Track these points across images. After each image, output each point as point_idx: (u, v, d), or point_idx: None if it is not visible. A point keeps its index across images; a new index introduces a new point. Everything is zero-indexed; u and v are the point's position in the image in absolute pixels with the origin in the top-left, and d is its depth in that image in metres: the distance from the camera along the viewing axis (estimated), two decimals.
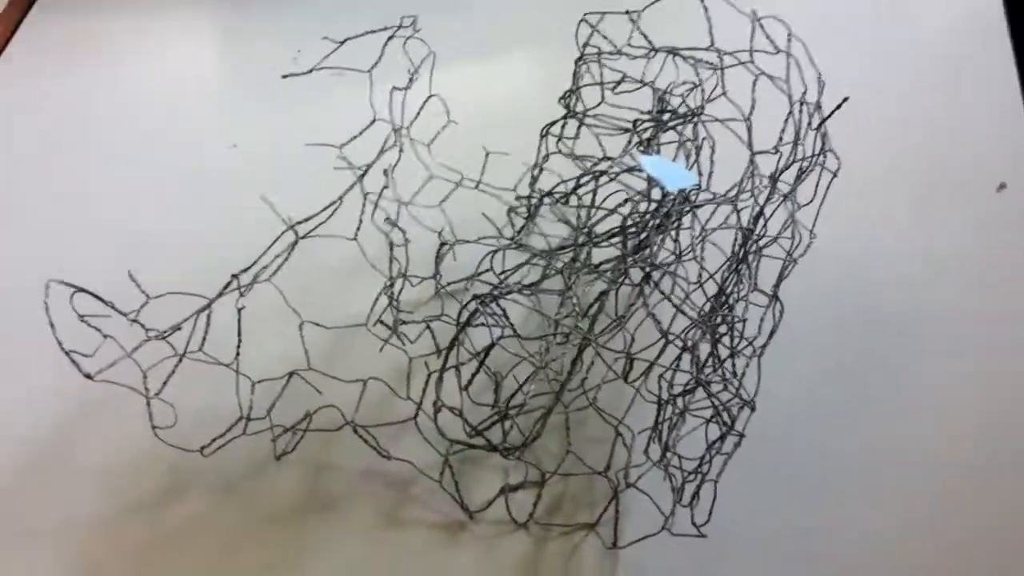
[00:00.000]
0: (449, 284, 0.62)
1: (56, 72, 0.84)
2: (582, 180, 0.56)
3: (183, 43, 0.88)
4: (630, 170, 0.53)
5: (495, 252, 0.55)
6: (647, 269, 0.52)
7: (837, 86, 0.54)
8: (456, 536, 0.53)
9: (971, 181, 0.69)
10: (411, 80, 0.59)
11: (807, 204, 0.54)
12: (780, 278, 0.54)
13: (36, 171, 0.76)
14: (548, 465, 0.54)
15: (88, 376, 0.46)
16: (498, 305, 0.51)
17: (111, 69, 0.84)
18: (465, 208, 0.65)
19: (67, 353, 0.45)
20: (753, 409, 0.50)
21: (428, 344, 0.59)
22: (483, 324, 0.51)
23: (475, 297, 0.49)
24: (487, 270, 0.59)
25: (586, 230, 0.57)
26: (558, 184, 0.57)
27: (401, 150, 0.60)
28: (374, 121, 0.58)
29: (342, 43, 0.56)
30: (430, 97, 0.62)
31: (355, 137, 0.57)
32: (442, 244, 0.63)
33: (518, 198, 0.65)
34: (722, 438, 0.49)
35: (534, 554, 0.52)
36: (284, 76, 0.59)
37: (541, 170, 0.62)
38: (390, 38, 0.57)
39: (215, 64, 0.86)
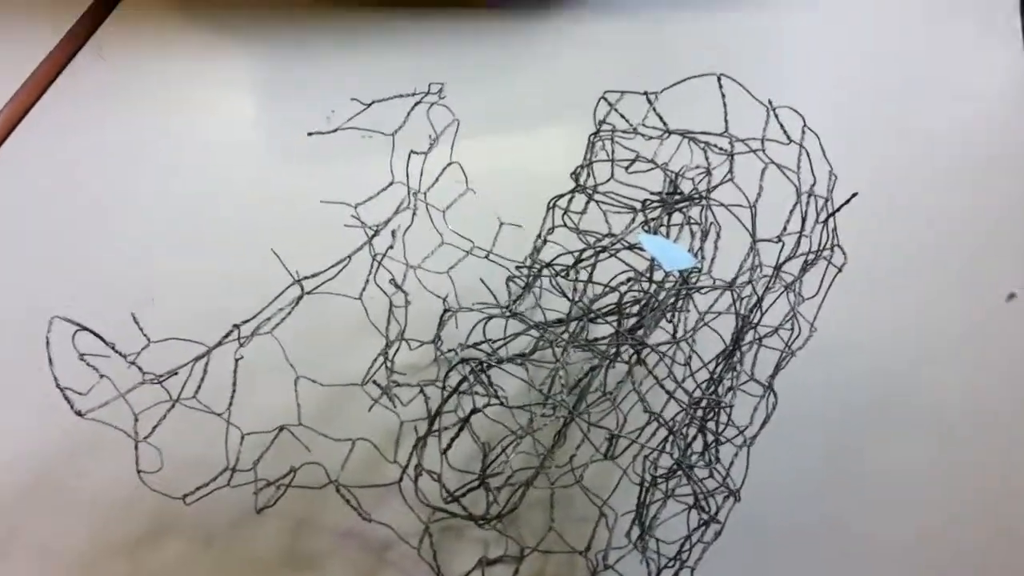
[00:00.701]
0: (448, 351, 0.63)
1: (96, 115, 0.87)
2: (584, 254, 0.56)
3: (223, 96, 0.91)
4: (632, 247, 0.53)
5: (487, 320, 0.56)
6: (638, 348, 0.52)
7: (849, 181, 0.55)
8: None
9: (980, 289, 0.69)
10: (432, 145, 0.60)
11: (811, 297, 0.54)
12: (777, 369, 0.53)
13: (55, 207, 0.78)
14: (529, 541, 0.54)
15: (79, 414, 0.46)
16: (486, 374, 0.52)
17: (142, 117, 0.87)
18: (474, 277, 0.66)
19: (61, 389, 0.45)
20: (738, 499, 0.49)
21: (421, 409, 0.59)
22: (469, 392, 0.51)
23: (463, 361, 0.50)
24: (482, 341, 0.60)
25: (582, 305, 0.57)
26: (558, 256, 0.57)
27: (415, 213, 0.61)
28: (392, 183, 0.59)
29: (369, 105, 0.57)
30: (450, 164, 0.63)
31: (371, 198, 0.58)
32: (445, 310, 0.64)
33: (518, 267, 0.66)
34: (703, 526, 0.48)
35: None
36: (309, 134, 0.61)
37: (544, 241, 0.62)
38: (416, 104, 0.59)
39: (250, 118, 0.88)
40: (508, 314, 0.55)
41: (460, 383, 0.50)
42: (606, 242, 0.55)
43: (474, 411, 0.49)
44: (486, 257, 0.66)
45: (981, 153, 0.79)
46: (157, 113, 0.88)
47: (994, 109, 0.83)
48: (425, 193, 0.62)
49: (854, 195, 0.52)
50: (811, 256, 0.54)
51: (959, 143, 0.80)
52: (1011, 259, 0.71)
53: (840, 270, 0.54)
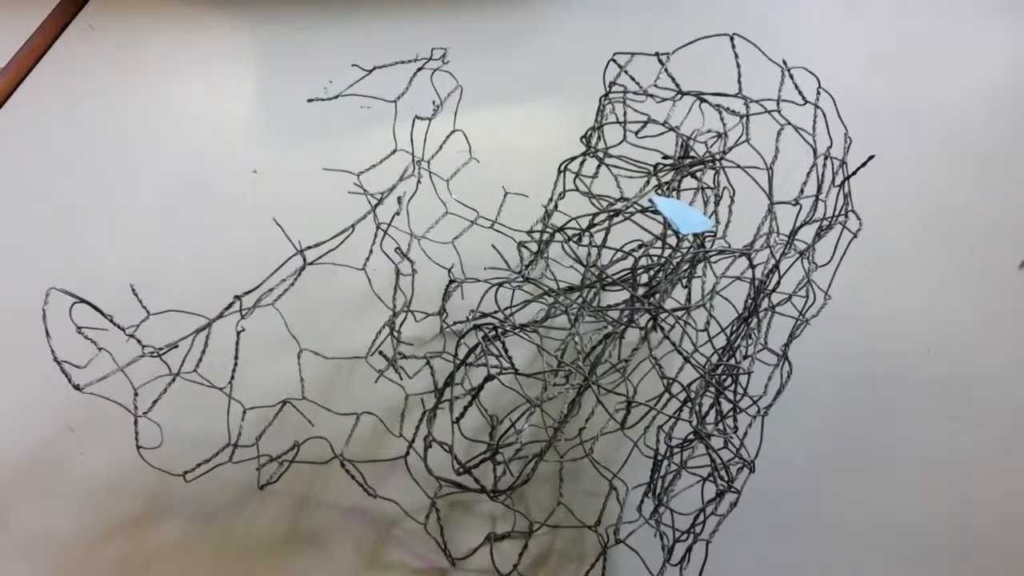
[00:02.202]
0: (455, 323, 0.62)
1: (88, 87, 0.87)
2: (596, 219, 0.56)
3: (217, 68, 0.90)
4: (645, 211, 0.53)
5: (500, 285, 0.56)
6: (654, 314, 0.51)
7: (864, 145, 0.54)
8: None
9: (993, 256, 0.69)
10: (435, 111, 0.59)
11: (825, 264, 0.53)
12: (791, 337, 0.53)
13: (57, 181, 0.78)
14: (538, 516, 0.54)
15: (77, 387, 0.46)
16: (500, 341, 0.51)
17: (143, 88, 0.87)
18: (478, 247, 0.65)
19: (59, 363, 0.45)
20: (752, 470, 0.49)
21: (427, 382, 0.59)
22: (483, 364, 0.51)
23: (476, 327, 0.49)
24: (494, 312, 0.60)
25: (596, 271, 0.57)
26: (570, 220, 0.57)
27: (419, 181, 0.60)
28: (395, 151, 0.59)
29: (370, 71, 0.56)
30: (453, 132, 0.63)
31: (374, 166, 0.58)
32: (451, 281, 0.64)
33: (529, 232, 0.65)
34: (718, 497, 0.48)
35: None
36: (309, 100, 0.60)
37: (556, 206, 0.62)
38: (419, 69, 0.58)
39: (246, 90, 0.88)
40: (521, 279, 0.54)
41: (473, 349, 0.49)
42: (619, 206, 0.54)
43: (488, 378, 0.48)
44: (491, 226, 0.65)
45: (996, 124, 0.79)
46: (151, 85, 0.87)
47: (1017, 80, 0.83)
48: (428, 161, 0.62)
49: (871, 158, 0.52)
50: (827, 221, 0.53)
51: (976, 115, 0.80)
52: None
53: (855, 235, 0.54)
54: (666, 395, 0.51)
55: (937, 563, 0.53)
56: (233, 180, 0.77)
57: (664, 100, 0.57)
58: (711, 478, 0.48)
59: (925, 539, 0.54)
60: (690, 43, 0.55)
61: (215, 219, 0.74)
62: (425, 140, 0.60)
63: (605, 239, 0.59)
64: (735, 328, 0.51)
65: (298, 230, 0.55)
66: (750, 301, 0.51)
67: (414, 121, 0.58)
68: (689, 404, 0.49)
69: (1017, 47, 0.86)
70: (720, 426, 0.50)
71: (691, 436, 0.49)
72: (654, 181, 0.56)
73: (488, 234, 0.66)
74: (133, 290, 0.52)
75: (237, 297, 0.51)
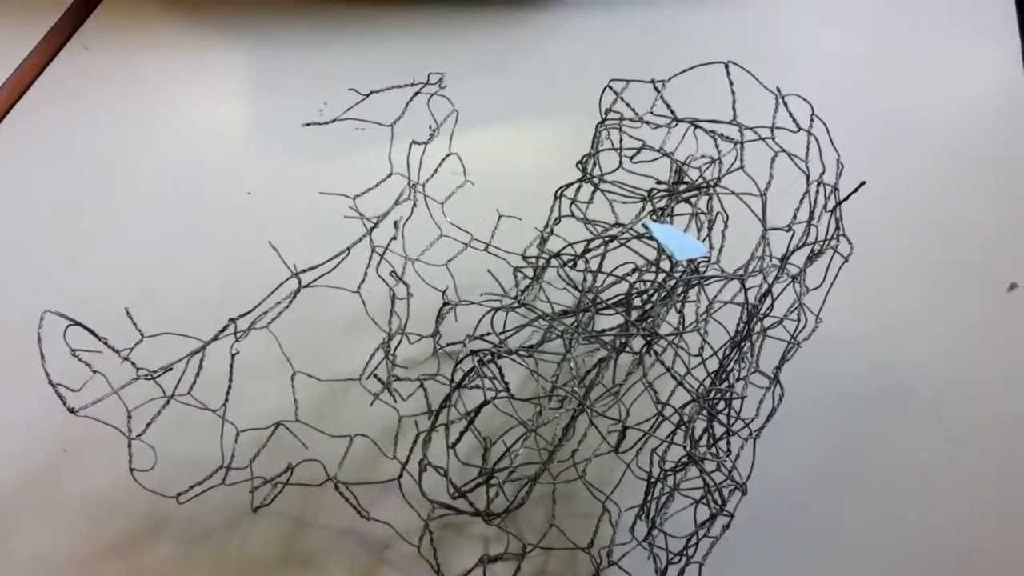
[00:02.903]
0: (448, 345, 0.63)
1: (83, 108, 0.88)
2: (592, 244, 0.57)
3: (211, 88, 0.91)
4: (640, 236, 0.53)
5: (496, 311, 0.56)
6: (648, 338, 0.52)
7: (855, 171, 0.55)
8: None
9: (983, 279, 0.69)
10: (432, 135, 0.60)
11: (816, 288, 0.54)
12: (782, 360, 0.54)
13: (52, 202, 0.79)
14: (531, 538, 0.54)
15: (72, 411, 0.46)
16: (495, 364, 0.52)
17: (137, 108, 0.88)
18: (472, 270, 0.66)
19: (53, 385, 0.45)
20: (744, 493, 0.50)
21: (421, 404, 0.60)
22: (478, 386, 0.52)
23: (472, 353, 0.50)
24: (487, 333, 0.60)
25: (591, 295, 0.57)
26: (566, 246, 0.58)
27: (415, 205, 0.61)
28: (391, 175, 0.60)
29: (367, 96, 0.57)
30: (449, 155, 0.63)
31: (370, 189, 0.58)
32: (445, 303, 0.64)
33: (525, 258, 0.66)
34: (712, 519, 0.48)
35: None
36: (305, 124, 0.61)
37: (551, 232, 0.63)
38: (415, 94, 0.59)
39: (241, 111, 0.88)
40: (517, 304, 0.55)
41: (468, 373, 0.50)
42: (614, 231, 0.55)
43: (484, 403, 0.49)
44: (485, 249, 0.66)
45: (986, 147, 0.80)
46: (146, 106, 0.88)
47: (1000, 101, 0.84)
48: (423, 185, 0.62)
49: (862, 184, 0.53)
50: (818, 246, 0.54)
51: (966, 139, 0.81)
52: (1013, 250, 0.71)
53: (846, 260, 0.55)
54: (659, 418, 0.52)
55: None
56: (227, 202, 0.78)
57: (659, 127, 0.58)
58: (704, 501, 0.49)
59: (920, 557, 0.55)
60: (685, 71, 0.56)
61: (210, 241, 0.75)
62: (420, 163, 0.61)
63: (601, 264, 0.60)
64: (727, 352, 0.52)
65: (293, 252, 0.55)
66: (743, 325, 0.52)
67: (411, 146, 0.59)
68: (682, 427, 0.49)
69: (1007, 71, 0.87)
70: (713, 449, 0.50)
71: (684, 459, 0.50)
72: (648, 207, 0.57)
73: (482, 255, 0.66)
74: (128, 313, 0.52)
75: (232, 320, 0.51)
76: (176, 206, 0.78)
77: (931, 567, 0.55)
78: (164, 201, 0.79)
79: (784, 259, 0.52)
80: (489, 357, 0.51)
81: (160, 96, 0.89)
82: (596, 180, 0.60)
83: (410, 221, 0.62)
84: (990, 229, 0.73)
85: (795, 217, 0.55)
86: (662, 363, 0.50)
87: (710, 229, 0.58)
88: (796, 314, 0.54)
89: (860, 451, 0.60)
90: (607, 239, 0.55)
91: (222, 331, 0.51)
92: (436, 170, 0.63)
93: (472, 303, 0.63)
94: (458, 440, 0.52)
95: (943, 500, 0.57)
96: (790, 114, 0.55)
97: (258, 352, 0.55)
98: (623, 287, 0.58)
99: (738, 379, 0.52)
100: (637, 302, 0.58)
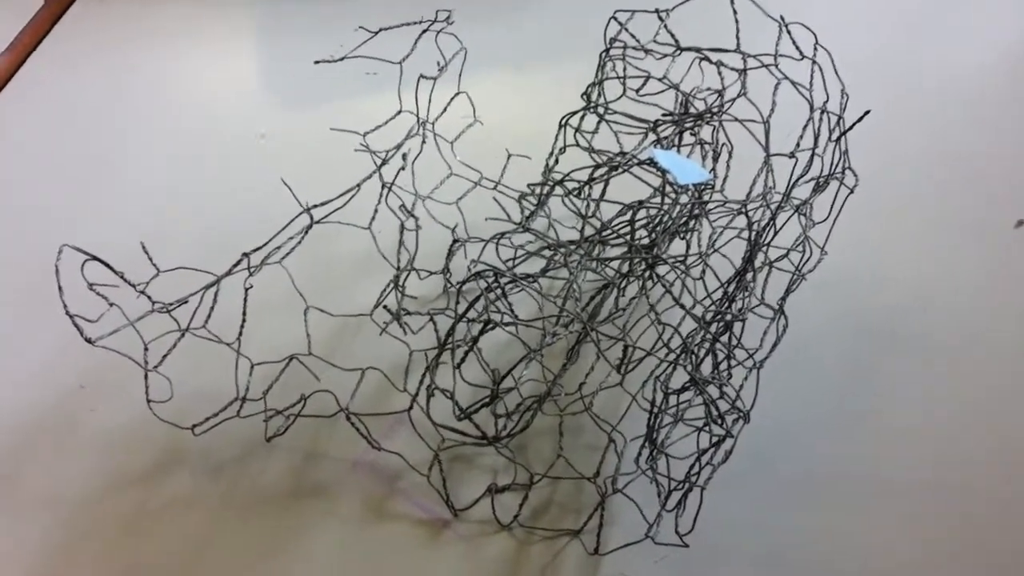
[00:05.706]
0: (458, 283, 0.65)
1: (97, 56, 0.90)
2: (596, 172, 0.58)
3: (224, 34, 0.93)
4: (643, 163, 0.54)
5: (501, 236, 0.57)
6: (652, 263, 0.53)
7: (861, 102, 0.56)
8: (439, 534, 0.55)
9: (990, 214, 0.70)
10: (440, 71, 0.61)
11: (822, 221, 0.55)
12: (787, 292, 0.55)
13: (69, 147, 0.81)
14: (539, 468, 0.56)
15: (89, 341, 0.48)
16: (501, 289, 0.54)
17: (152, 53, 0.90)
18: (482, 208, 0.68)
19: (71, 316, 0.47)
20: (747, 420, 0.51)
21: (431, 339, 0.61)
22: (478, 320, 0.53)
23: (477, 274, 0.51)
24: (490, 270, 0.62)
25: (595, 222, 0.58)
26: (571, 172, 0.59)
27: (424, 141, 0.63)
28: (400, 112, 0.61)
29: (376, 33, 0.59)
30: (458, 94, 0.65)
31: (380, 126, 0.60)
32: (454, 241, 0.66)
33: (530, 185, 0.67)
34: (715, 445, 0.50)
35: (515, 557, 0.54)
36: (316, 62, 0.62)
37: (557, 160, 0.64)
38: (424, 31, 0.60)
39: (253, 56, 0.90)
40: (522, 229, 0.56)
41: (476, 299, 0.51)
42: (618, 159, 0.56)
43: (487, 322, 0.50)
44: (494, 188, 0.68)
45: (993, 84, 0.80)
46: (161, 49, 0.90)
47: (1011, 41, 0.84)
48: (433, 123, 0.64)
49: (867, 113, 0.53)
50: (823, 177, 0.55)
51: (973, 75, 0.81)
52: (1020, 187, 0.72)
53: (852, 191, 0.55)
54: (663, 342, 0.53)
55: (932, 513, 0.56)
56: (241, 143, 0.80)
57: (664, 56, 0.59)
58: (706, 427, 0.51)
59: (920, 489, 0.57)
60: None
61: (224, 181, 0.77)
62: (430, 102, 0.62)
63: (604, 192, 0.61)
64: (732, 280, 0.54)
65: (305, 191, 0.57)
66: (747, 254, 0.53)
67: (419, 81, 0.60)
68: (685, 352, 0.51)
69: (1021, 7, 0.87)
70: (715, 374, 0.52)
71: (687, 384, 0.51)
72: (653, 136, 0.58)
73: (491, 196, 0.68)
74: (144, 247, 0.54)
75: (245, 254, 0.53)
76: (191, 147, 0.80)
77: (928, 497, 0.56)
78: (180, 143, 0.81)
79: (788, 187, 0.53)
80: (493, 278, 0.52)
81: (174, 41, 0.91)
82: (601, 109, 0.61)
83: (421, 161, 0.63)
84: (998, 166, 0.74)
85: (798, 145, 0.56)
86: (665, 287, 0.51)
87: (715, 159, 0.59)
88: (801, 246, 0.55)
89: (863, 383, 0.61)
90: (612, 166, 0.56)
91: (236, 265, 0.53)
92: (445, 108, 0.64)
93: (482, 240, 0.64)
94: (463, 360, 0.53)
95: (944, 431, 0.59)
96: (793, 42, 0.55)
97: (272, 288, 0.57)
98: (628, 215, 0.60)
99: (742, 308, 0.53)
100: (642, 232, 0.59)
